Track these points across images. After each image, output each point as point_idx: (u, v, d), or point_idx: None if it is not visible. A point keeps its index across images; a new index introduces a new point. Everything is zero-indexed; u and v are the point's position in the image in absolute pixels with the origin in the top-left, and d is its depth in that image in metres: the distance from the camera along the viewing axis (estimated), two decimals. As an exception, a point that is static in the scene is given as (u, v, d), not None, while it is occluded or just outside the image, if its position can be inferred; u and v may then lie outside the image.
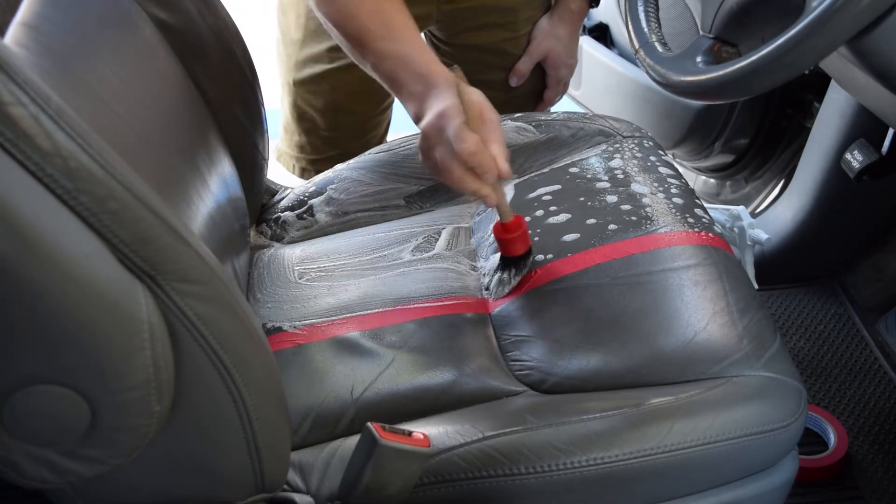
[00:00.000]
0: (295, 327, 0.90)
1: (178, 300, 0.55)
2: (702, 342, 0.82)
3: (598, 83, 1.73)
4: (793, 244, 1.44)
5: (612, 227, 0.94)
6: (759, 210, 1.53)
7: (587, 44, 1.74)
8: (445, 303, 0.91)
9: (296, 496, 0.72)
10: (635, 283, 0.87)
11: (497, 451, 0.74)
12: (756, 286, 1.30)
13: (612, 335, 0.84)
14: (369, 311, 0.90)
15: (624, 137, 1.10)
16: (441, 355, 0.85)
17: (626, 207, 0.96)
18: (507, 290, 0.91)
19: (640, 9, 1.00)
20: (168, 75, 0.84)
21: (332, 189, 1.09)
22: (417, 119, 0.89)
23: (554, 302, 0.88)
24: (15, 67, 0.47)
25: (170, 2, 0.86)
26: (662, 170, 1.03)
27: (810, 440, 1.20)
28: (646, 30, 0.98)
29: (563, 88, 1.34)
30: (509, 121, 1.12)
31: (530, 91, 1.32)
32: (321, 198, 1.09)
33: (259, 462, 0.65)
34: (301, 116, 1.30)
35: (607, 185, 1.01)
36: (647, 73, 0.96)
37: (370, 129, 1.32)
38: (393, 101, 1.35)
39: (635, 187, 1.00)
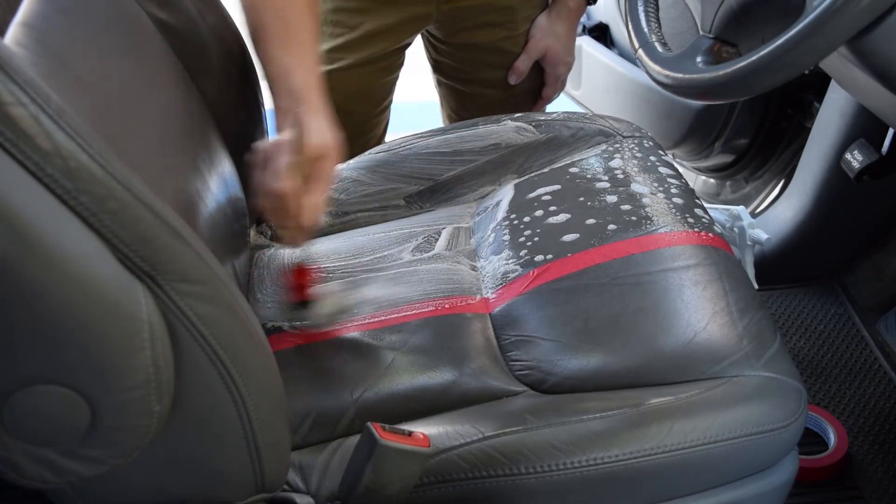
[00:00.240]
0: (295, 327, 0.90)
1: (178, 300, 0.55)
2: (702, 342, 0.82)
3: (598, 83, 1.73)
4: (793, 244, 1.44)
5: (611, 227, 0.94)
6: (759, 210, 1.53)
7: (587, 44, 1.74)
8: (445, 303, 0.91)
9: (296, 496, 0.72)
10: (635, 283, 0.87)
11: (497, 451, 0.74)
12: (756, 286, 1.30)
13: (612, 335, 0.84)
14: (369, 312, 0.90)
15: (624, 137, 1.10)
16: (441, 355, 0.85)
17: (625, 207, 0.96)
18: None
19: (640, 9, 1.00)
20: (168, 75, 0.84)
21: (331, 189, 1.09)
22: (279, 130, 0.86)
23: (554, 302, 0.88)
24: (15, 67, 0.47)
25: (170, 2, 0.86)
26: (662, 170, 1.03)
27: (810, 440, 1.20)
28: (646, 30, 0.98)
29: (560, 86, 1.34)
30: (509, 121, 1.12)
31: (529, 89, 1.32)
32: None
33: (259, 462, 0.65)
34: None
35: (607, 185, 1.01)
36: (647, 73, 0.96)
37: (369, 130, 1.32)
38: (391, 102, 1.35)
39: (635, 187, 1.00)
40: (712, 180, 1.70)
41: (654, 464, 0.74)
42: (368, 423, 0.69)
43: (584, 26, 1.78)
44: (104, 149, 0.51)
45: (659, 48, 0.96)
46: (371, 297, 0.93)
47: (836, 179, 1.34)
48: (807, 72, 0.87)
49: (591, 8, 1.79)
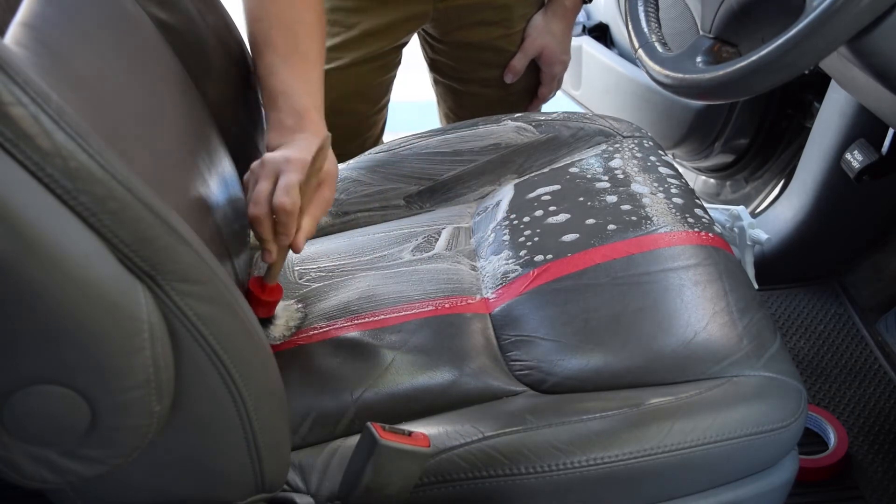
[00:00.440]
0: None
1: (178, 300, 0.55)
2: (702, 342, 0.82)
3: (598, 83, 1.73)
4: (793, 244, 1.44)
5: (611, 227, 0.94)
6: (759, 210, 1.53)
7: (587, 44, 1.74)
8: (445, 303, 0.91)
9: (296, 496, 0.72)
10: (635, 283, 0.87)
11: (497, 451, 0.74)
12: (756, 286, 1.30)
13: (611, 335, 0.84)
14: (369, 312, 0.90)
15: (624, 137, 1.10)
16: (441, 355, 0.85)
17: (625, 207, 0.96)
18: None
19: (640, 9, 1.00)
20: (168, 75, 0.84)
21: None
22: (271, 147, 0.85)
23: (554, 302, 0.88)
24: (15, 67, 0.47)
25: (170, 2, 0.86)
26: (662, 170, 1.03)
27: (810, 440, 1.20)
28: (646, 30, 0.98)
29: (557, 85, 1.34)
30: (509, 121, 1.12)
31: (525, 88, 1.32)
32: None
33: (259, 462, 0.65)
34: None
35: (607, 185, 1.01)
36: (647, 73, 0.96)
37: (367, 129, 1.32)
38: (388, 101, 1.35)
39: (635, 187, 1.00)
40: (712, 180, 1.70)
41: (654, 464, 0.74)
42: (368, 423, 0.69)
43: (584, 26, 1.78)
44: (104, 149, 0.51)
45: (659, 48, 0.96)
46: (371, 294, 0.93)
47: (836, 179, 1.34)
48: (807, 72, 0.87)
49: (591, 8, 1.79)
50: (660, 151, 1.08)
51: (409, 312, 0.90)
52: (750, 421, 0.77)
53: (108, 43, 0.74)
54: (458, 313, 0.90)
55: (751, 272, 1.31)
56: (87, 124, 0.51)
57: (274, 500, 0.70)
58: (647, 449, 0.74)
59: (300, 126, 0.85)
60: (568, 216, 0.97)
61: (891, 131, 1.21)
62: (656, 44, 0.96)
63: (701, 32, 0.93)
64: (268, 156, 0.83)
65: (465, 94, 1.35)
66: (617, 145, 1.09)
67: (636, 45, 0.98)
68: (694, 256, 0.90)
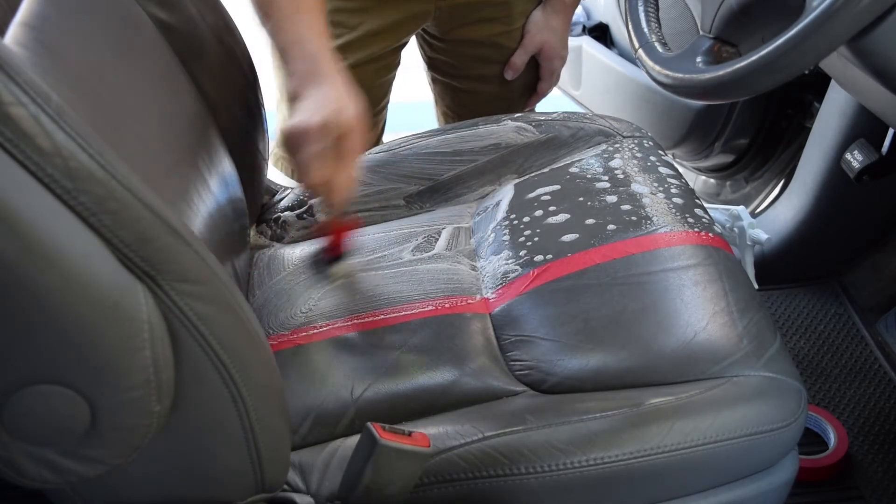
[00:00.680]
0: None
1: (178, 300, 0.55)
2: (702, 342, 0.82)
3: (598, 83, 1.73)
4: (793, 244, 1.44)
5: (611, 227, 0.94)
6: (759, 210, 1.53)
7: (587, 44, 1.75)
8: (445, 302, 0.91)
9: (296, 496, 0.72)
10: (635, 283, 0.87)
11: (497, 451, 0.74)
12: (756, 286, 1.30)
13: (611, 335, 0.84)
14: (369, 311, 0.90)
15: (624, 137, 1.10)
16: (441, 355, 0.85)
17: (625, 207, 0.96)
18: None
19: (640, 9, 1.00)
20: (168, 75, 0.84)
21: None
22: (294, 95, 0.89)
23: (554, 302, 0.88)
24: (15, 67, 0.47)
25: (170, 2, 0.86)
26: (662, 170, 1.03)
27: (810, 440, 1.20)
28: (646, 30, 0.98)
29: (555, 80, 1.35)
30: (509, 121, 1.12)
31: (524, 84, 1.32)
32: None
33: (259, 462, 0.65)
34: None
35: (607, 185, 1.01)
36: (647, 73, 0.96)
37: (367, 131, 1.32)
38: (388, 102, 1.35)
39: (635, 187, 1.00)
40: (712, 180, 1.70)
41: (654, 464, 0.74)
42: (368, 423, 0.69)
43: (584, 26, 1.78)
44: (104, 148, 0.51)
45: (659, 48, 0.96)
46: (371, 294, 0.93)
47: (836, 179, 1.34)
48: (807, 72, 0.87)
49: (591, 8, 1.79)
50: (660, 151, 1.08)
51: (409, 312, 0.90)
52: (750, 421, 0.77)
53: (108, 43, 0.75)
54: (458, 313, 0.90)
55: (751, 272, 1.31)
56: (87, 124, 0.51)
57: (274, 499, 0.70)
58: (647, 449, 0.74)
59: (315, 69, 0.88)
60: (568, 216, 0.97)
61: (891, 131, 1.21)
62: (656, 44, 0.96)
63: (701, 32, 0.93)
64: (283, 129, 0.88)
65: (463, 91, 1.35)
66: (617, 145, 1.09)
67: (636, 44, 0.98)
68: (694, 256, 0.90)
